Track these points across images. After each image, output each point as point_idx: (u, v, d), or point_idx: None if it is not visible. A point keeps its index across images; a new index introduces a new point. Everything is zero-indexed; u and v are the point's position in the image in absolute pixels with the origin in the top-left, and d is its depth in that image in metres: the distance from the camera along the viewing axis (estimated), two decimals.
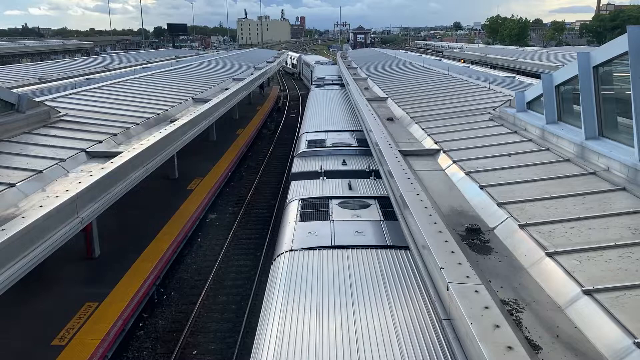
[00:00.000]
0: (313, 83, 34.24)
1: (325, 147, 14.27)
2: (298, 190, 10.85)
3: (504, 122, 11.71)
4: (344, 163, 12.62)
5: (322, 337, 5.40)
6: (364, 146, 13.77)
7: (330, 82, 31.94)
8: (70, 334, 9.65)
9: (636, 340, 3.83)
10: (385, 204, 9.33)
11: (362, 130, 14.79)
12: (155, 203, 16.54)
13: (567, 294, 4.73)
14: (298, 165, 12.96)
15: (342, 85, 29.04)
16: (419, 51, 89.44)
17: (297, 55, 70.80)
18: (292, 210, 9.67)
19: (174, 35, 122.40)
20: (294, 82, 62.04)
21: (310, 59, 61.40)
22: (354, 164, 12.57)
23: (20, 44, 75.10)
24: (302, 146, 14.67)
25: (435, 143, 10.83)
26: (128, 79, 22.99)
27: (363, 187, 10.69)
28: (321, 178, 11.38)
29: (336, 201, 9.81)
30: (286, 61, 70.70)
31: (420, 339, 5.21)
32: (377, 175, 10.85)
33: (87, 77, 28.48)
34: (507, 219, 6.48)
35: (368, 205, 9.55)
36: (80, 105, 16.04)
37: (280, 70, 69.89)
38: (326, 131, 16.32)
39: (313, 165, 12.62)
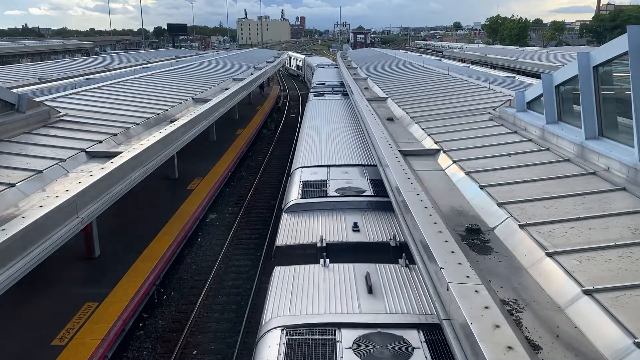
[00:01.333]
0: (311, 90, 28.75)
1: (327, 196, 10.12)
2: (283, 296, 6.51)
3: (504, 122, 11.72)
4: (355, 228, 8.55)
5: None
6: (381, 194, 9.71)
7: (331, 90, 27.41)
8: (70, 334, 9.64)
9: (636, 340, 3.83)
10: (437, 339, 5.40)
11: (377, 165, 10.82)
12: (155, 203, 16.54)
13: (567, 294, 4.73)
14: (287, 230, 8.79)
15: (346, 94, 24.59)
16: (419, 51, 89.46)
17: (303, 56, 66.45)
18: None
19: (174, 35, 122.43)
20: (294, 81, 61.92)
21: (313, 60, 57.27)
22: (371, 231, 8.57)
23: (20, 44, 75.07)
24: (294, 193, 10.49)
25: (435, 143, 10.83)
26: (128, 79, 23.00)
27: (392, 288, 6.51)
28: (321, 261, 7.31)
29: (349, 335, 5.60)
30: (290, 63, 69.07)
31: None
32: (410, 257, 6.70)
33: (87, 77, 28.49)
34: (507, 219, 6.48)
35: (409, 353, 5.30)
36: (80, 105, 16.04)
37: (284, 72, 69.51)
38: (328, 166, 12.12)
39: (309, 230, 8.65)
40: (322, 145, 14.55)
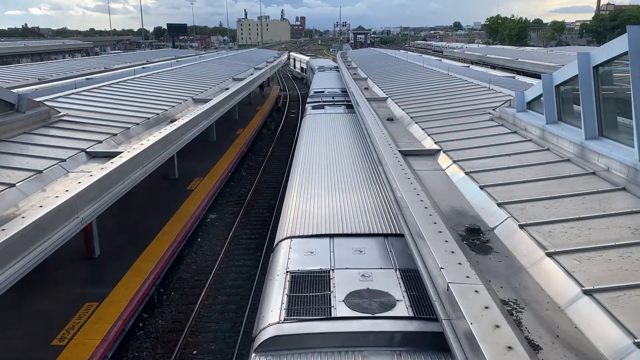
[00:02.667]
0: (309, 101, 23.49)
1: (330, 317, 5.59)
2: None
3: (504, 122, 11.71)
4: None
5: None
6: (424, 308, 5.63)
7: (331, 100, 22.67)
8: (70, 334, 9.64)
9: (636, 340, 3.83)
10: None
11: (404, 235, 6.80)
12: (155, 203, 16.54)
13: (567, 294, 4.73)
14: None
15: (351, 105, 20.28)
16: (419, 51, 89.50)
17: (307, 58, 62.77)
18: None
19: (174, 35, 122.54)
20: (294, 81, 61.89)
21: (316, 63, 51.73)
22: None
23: (20, 44, 75.11)
24: (275, 305, 5.91)
25: (435, 143, 10.83)
26: (128, 79, 23.00)
27: None
28: None
29: None
30: (294, 65, 68.17)
31: None
32: None
33: (87, 77, 28.49)
34: (507, 219, 6.48)
35: None
36: (80, 105, 16.04)
37: (286, 73, 69.23)
38: (331, 236, 7.78)
39: None
40: (322, 196, 9.74)
